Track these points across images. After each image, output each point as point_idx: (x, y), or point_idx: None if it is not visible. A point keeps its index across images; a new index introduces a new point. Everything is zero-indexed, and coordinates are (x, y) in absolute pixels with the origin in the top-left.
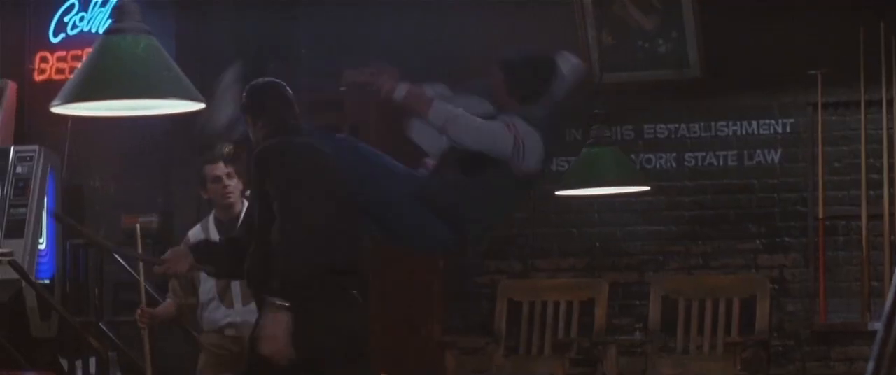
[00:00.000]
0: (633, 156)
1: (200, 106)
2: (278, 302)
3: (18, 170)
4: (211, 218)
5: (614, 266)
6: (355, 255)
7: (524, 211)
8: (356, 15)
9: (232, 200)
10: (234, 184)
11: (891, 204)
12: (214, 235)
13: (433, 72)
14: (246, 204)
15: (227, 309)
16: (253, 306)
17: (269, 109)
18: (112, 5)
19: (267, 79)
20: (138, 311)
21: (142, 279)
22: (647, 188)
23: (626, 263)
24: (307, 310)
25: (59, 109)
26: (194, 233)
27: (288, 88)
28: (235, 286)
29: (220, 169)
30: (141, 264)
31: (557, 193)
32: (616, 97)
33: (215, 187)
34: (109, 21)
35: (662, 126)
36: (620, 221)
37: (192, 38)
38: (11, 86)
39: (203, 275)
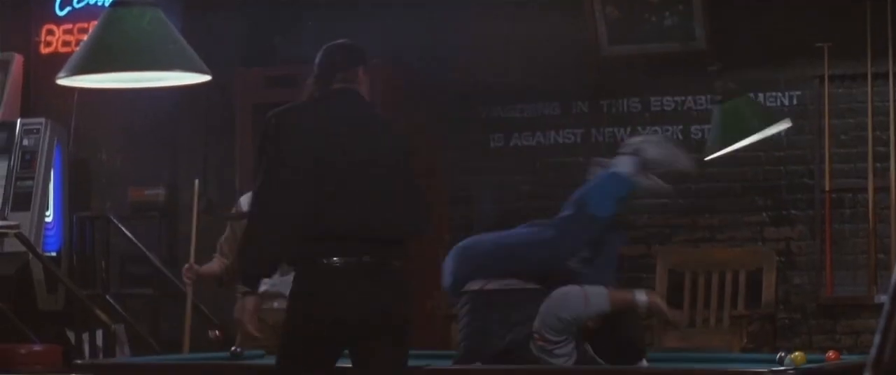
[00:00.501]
0: (639, 128)
1: (206, 78)
2: (241, 288)
3: (25, 142)
4: None
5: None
6: (355, 221)
7: (529, 183)
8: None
9: None
10: None
11: None
12: None
13: (443, 55)
14: None
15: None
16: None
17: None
18: None
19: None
20: (185, 267)
21: (194, 235)
22: (788, 124)
23: (633, 236)
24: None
25: (65, 81)
26: (245, 199)
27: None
28: None
29: None
30: (194, 219)
31: (708, 158)
32: (622, 70)
33: None
34: None
35: (669, 99)
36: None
37: (198, 12)
38: (18, 59)
39: None
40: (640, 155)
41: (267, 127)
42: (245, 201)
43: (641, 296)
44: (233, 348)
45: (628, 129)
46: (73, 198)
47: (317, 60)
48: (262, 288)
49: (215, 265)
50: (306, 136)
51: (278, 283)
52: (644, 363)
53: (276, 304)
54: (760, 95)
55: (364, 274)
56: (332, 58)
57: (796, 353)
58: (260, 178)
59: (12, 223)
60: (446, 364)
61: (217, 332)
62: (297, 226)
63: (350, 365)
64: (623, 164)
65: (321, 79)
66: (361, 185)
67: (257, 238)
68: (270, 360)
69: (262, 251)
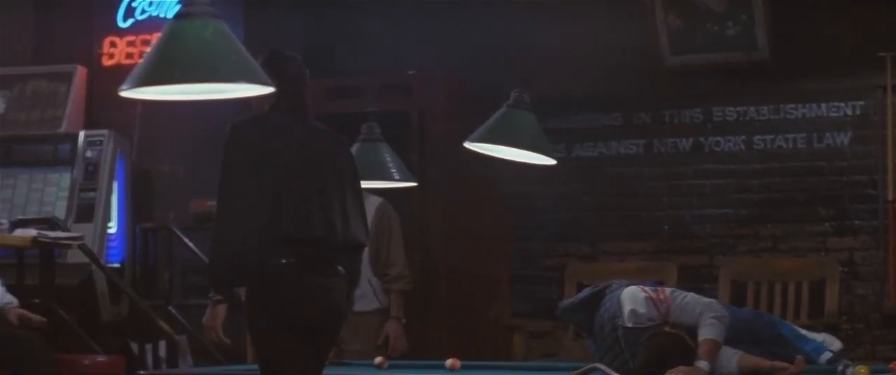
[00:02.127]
0: (701, 138)
1: (268, 90)
2: (212, 295)
3: (88, 154)
4: None
5: (683, 249)
6: (320, 230)
7: (590, 193)
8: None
9: None
10: None
11: None
12: None
13: (503, 65)
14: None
15: None
16: None
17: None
18: None
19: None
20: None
21: None
22: (553, 162)
23: (695, 246)
24: (249, 291)
25: (128, 94)
26: None
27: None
28: None
29: None
30: None
31: (468, 144)
32: (684, 80)
33: None
34: (178, 5)
35: (731, 108)
36: (689, 204)
37: (260, 24)
38: (81, 72)
39: None
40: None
41: (231, 135)
42: None
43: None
44: None
45: (690, 140)
46: (135, 210)
47: (288, 71)
48: None
49: None
50: (268, 146)
51: None
52: None
53: None
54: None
55: (316, 272)
56: (302, 71)
57: (860, 367)
58: (224, 186)
59: (76, 234)
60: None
61: None
62: (261, 232)
63: None
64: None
65: (292, 92)
66: (317, 194)
67: (225, 244)
68: (332, 370)
69: (230, 256)
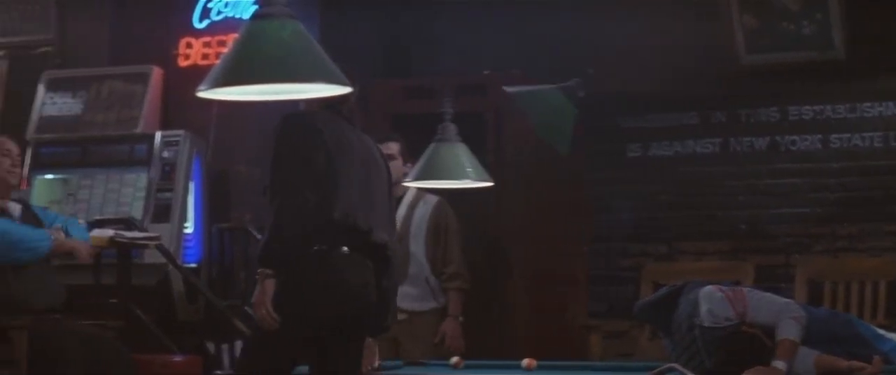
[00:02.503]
0: (777, 137)
1: (346, 90)
2: (260, 270)
3: (165, 154)
4: None
5: (759, 248)
6: (363, 222)
7: (668, 194)
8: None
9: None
10: (393, 166)
11: None
12: None
13: (579, 65)
14: (413, 189)
15: None
16: (406, 288)
17: None
18: None
19: None
20: None
21: None
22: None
23: (771, 246)
24: (288, 278)
25: (206, 94)
26: None
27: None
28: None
29: (383, 148)
30: None
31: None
32: (760, 78)
33: None
34: (254, 6)
35: (807, 107)
36: (765, 204)
37: (336, 25)
38: (157, 72)
39: None
40: None
41: (284, 124)
42: None
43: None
44: None
45: (767, 139)
46: (211, 210)
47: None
48: None
49: None
50: (321, 136)
51: None
52: None
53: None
54: None
55: (355, 263)
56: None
57: None
58: (281, 171)
59: (153, 235)
60: (584, 374)
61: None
62: (316, 217)
63: None
64: None
65: (343, 99)
66: (363, 188)
67: (284, 224)
68: (408, 371)
69: (289, 236)
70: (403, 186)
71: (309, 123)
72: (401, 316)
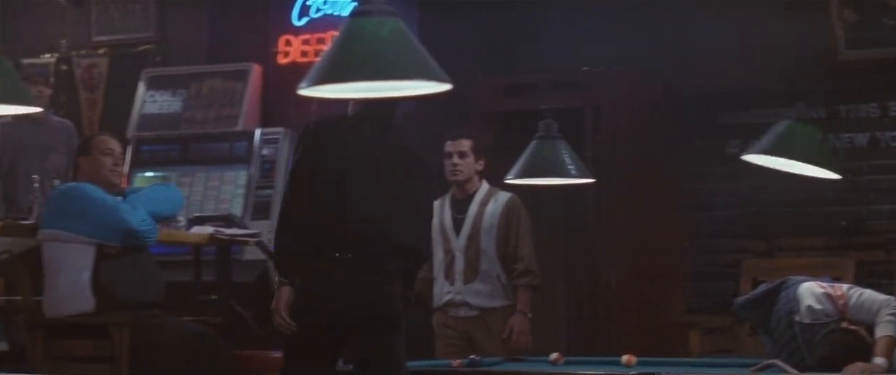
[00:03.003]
0: (877, 133)
1: (446, 87)
2: (277, 278)
3: (264, 152)
4: (448, 196)
5: (859, 245)
6: (353, 225)
7: (768, 190)
8: None
9: (459, 178)
10: (464, 163)
11: None
12: (446, 213)
13: (679, 61)
14: (486, 186)
15: (449, 285)
16: (476, 285)
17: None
18: None
19: None
20: None
21: None
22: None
23: (872, 242)
24: (302, 282)
25: (306, 92)
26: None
27: None
28: (459, 262)
29: (454, 145)
30: None
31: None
32: (860, 74)
33: (447, 163)
34: (353, 4)
35: None
36: (865, 199)
37: (435, 23)
38: (256, 70)
39: (435, 247)
40: None
41: (304, 133)
42: (437, 204)
43: None
44: (471, 356)
45: (867, 135)
46: None
47: None
48: (447, 296)
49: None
50: (335, 147)
51: (462, 290)
52: None
53: (462, 312)
54: None
55: (355, 270)
56: None
57: None
58: (292, 177)
59: (253, 231)
60: (683, 371)
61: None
62: (319, 224)
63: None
64: None
65: (378, 104)
66: (366, 197)
67: (288, 231)
68: (509, 366)
69: (292, 243)
70: (476, 183)
71: (324, 132)
72: (472, 313)
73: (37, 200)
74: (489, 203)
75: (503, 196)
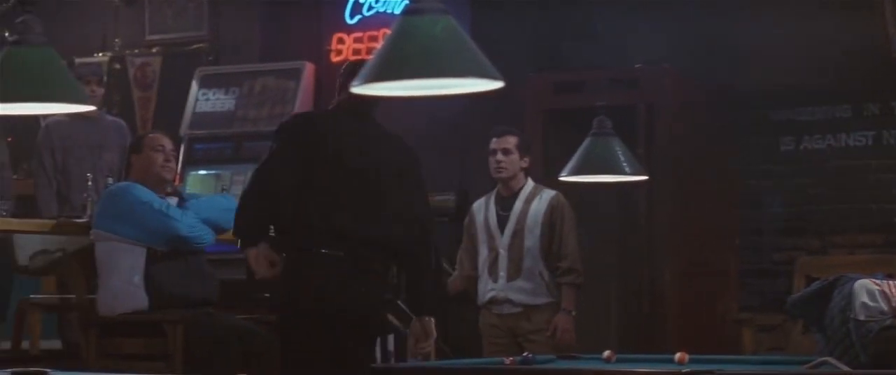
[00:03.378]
0: None
1: (498, 84)
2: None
3: None
4: (493, 193)
5: None
6: (341, 222)
7: (820, 187)
8: None
9: (503, 175)
10: (508, 160)
11: None
12: (491, 210)
13: (731, 58)
14: (531, 183)
15: (493, 282)
16: (520, 282)
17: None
18: None
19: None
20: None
21: None
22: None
23: None
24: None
25: (359, 90)
26: (477, 206)
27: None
28: (503, 259)
29: (498, 142)
30: None
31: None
32: None
33: (491, 160)
34: (405, 2)
35: None
36: None
37: (487, 21)
38: (309, 68)
39: (479, 244)
40: None
41: (287, 122)
42: (476, 207)
43: None
44: (524, 354)
45: None
46: None
47: (342, 73)
48: (490, 294)
49: (456, 282)
50: (311, 141)
51: (505, 288)
52: None
53: (506, 309)
54: None
55: (343, 266)
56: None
57: None
58: (263, 160)
59: None
60: (736, 369)
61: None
62: (278, 208)
63: None
64: None
65: (355, 97)
66: (353, 192)
67: (244, 206)
68: (562, 364)
69: (249, 214)
70: (521, 180)
71: (301, 125)
72: (515, 309)
73: (90, 199)
74: (534, 200)
75: (548, 193)
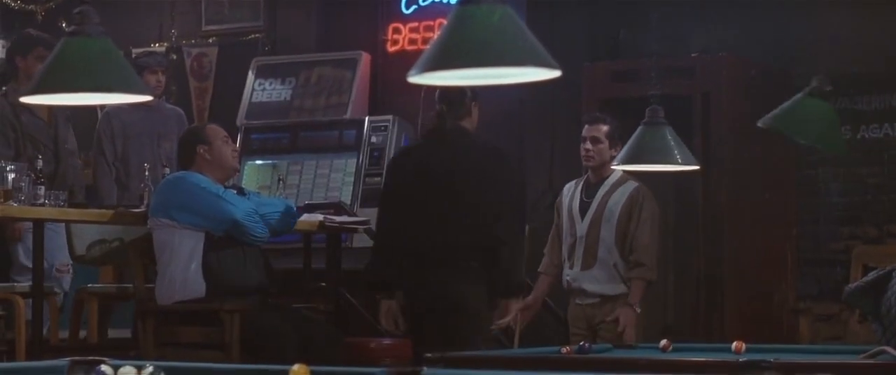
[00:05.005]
0: None
1: (555, 74)
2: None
3: (373, 139)
4: (584, 178)
5: None
6: (423, 237)
7: (878, 176)
8: None
9: (591, 164)
10: (596, 149)
11: None
12: (577, 196)
13: (788, 46)
14: (618, 173)
15: (569, 269)
16: (594, 272)
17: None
18: None
19: None
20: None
21: None
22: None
23: None
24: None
25: (415, 79)
26: (566, 189)
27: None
28: (580, 247)
29: (589, 130)
30: None
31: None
32: None
33: (582, 147)
34: None
35: None
36: None
37: (542, 10)
38: (365, 58)
39: (563, 230)
40: None
41: (389, 164)
42: (566, 190)
43: None
44: (581, 342)
45: None
46: None
47: (442, 93)
48: (566, 279)
49: (542, 283)
50: (407, 174)
51: (578, 276)
52: None
53: (580, 299)
54: None
55: (436, 266)
56: (457, 92)
57: None
58: (379, 204)
59: (362, 219)
60: (793, 358)
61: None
62: (400, 241)
63: None
64: None
65: (440, 114)
66: (441, 203)
67: (379, 248)
68: (618, 353)
69: (383, 258)
70: (610, 169)
71: (395, 162)
72: (589, 300)
73: (147, 188)
74: (617, 191)
75: (631, 185)
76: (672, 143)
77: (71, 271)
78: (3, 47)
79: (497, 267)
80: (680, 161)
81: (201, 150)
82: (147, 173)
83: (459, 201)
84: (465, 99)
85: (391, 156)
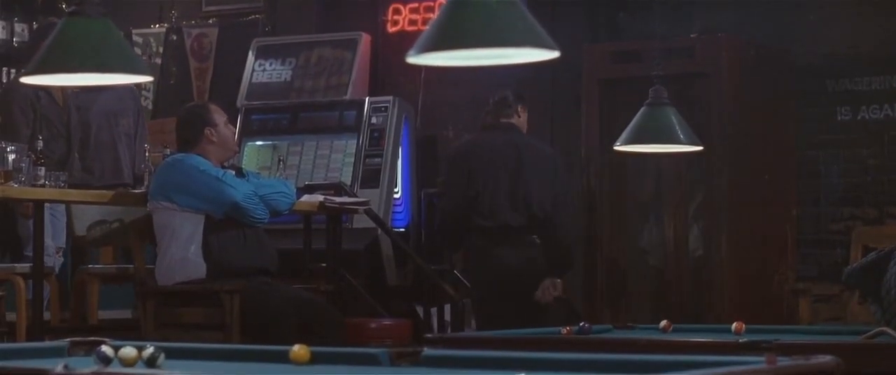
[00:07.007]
0: None
1: (555, 54)
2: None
3: (373, 120)
4: None
5: None
6: (494, 215)
7: (876, 156)
8: None
9: None
10: None
11: None
12: None
13: (790, 28)
14: None
15: None
16: None
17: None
18: None
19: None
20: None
21: None
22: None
23: None
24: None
25: (415, 60)
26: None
27: None
28: None
29: None
30: None
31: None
32: None
33: None
34: None
35: None
36: None
37: None
38: (365, 39)
39: None
40: None
41: (451, 155)
42: None
43: None
44: (581, 323)
45: None
46: (420, 175)
47: (492, 100)
48: None
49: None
50: (468, 163)
51: None
52: None
53: None
54: None
55: (495, 244)
56: (501, 98)
57: None
58: (444, 190)
59: (362, 200)
60: (793, 338)
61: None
62: (463, 219)
63: None
64: None
65: (490, 114)
66: (497, 189)
67: (445, 225)
68: (618, 334)
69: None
70: None
71: (458, 152)
72: None
73: (148, 169)
74: None
75: None
76: (675, 123)
77: (62, 255)
78: (24, 31)
79: (557, 247)
80: (683, 141)
81: (208, 132)
82: (147, 155)
83: (523, 184)
84: (509, 100)
85: (450, 148)
